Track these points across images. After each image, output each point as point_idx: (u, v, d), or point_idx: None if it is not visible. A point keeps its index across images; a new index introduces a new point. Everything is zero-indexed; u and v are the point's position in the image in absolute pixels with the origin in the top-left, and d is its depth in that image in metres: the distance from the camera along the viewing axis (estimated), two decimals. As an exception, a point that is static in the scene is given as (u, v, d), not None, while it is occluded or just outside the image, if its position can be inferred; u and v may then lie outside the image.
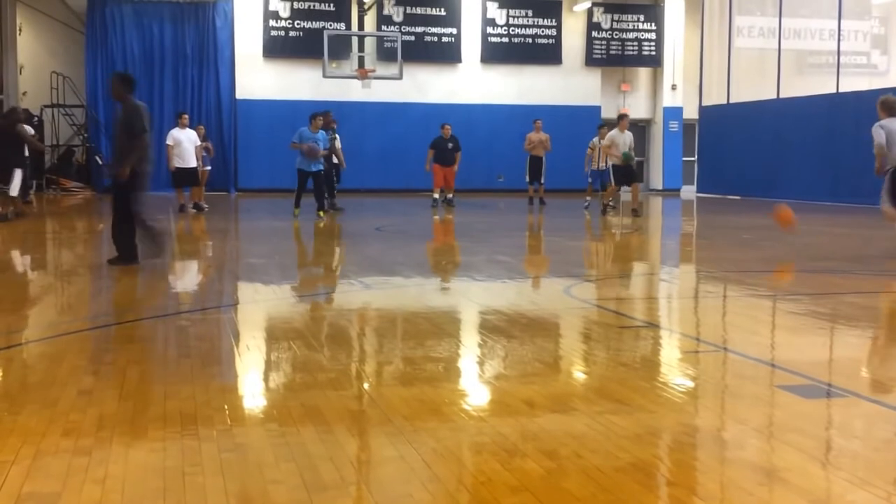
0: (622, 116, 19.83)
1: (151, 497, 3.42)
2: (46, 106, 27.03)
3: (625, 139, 19.04)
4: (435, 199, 21.91)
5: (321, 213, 18.15)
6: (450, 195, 21.85)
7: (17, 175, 16.83)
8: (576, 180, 27.09)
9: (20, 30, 27.90)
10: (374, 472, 3.80)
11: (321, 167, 18.18)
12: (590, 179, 21.40)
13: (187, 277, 10.57)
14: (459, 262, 12.11)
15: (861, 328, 7.23)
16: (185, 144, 19.22)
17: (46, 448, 3.93)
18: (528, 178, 22.43)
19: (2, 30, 27.86)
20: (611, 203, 20.70)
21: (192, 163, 19.38)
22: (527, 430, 4.22)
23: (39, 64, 27.69)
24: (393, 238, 14.97)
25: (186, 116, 20.06)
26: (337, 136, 20.73)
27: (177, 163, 19.21)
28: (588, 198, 21.25)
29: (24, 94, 27.74)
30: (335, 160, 20.35)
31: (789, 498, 3.43)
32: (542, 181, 22.34)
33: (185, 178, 19.40)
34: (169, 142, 19.41)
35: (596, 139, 21.36)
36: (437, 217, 19.31)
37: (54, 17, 27.97)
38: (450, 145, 21.76)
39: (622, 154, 18.91)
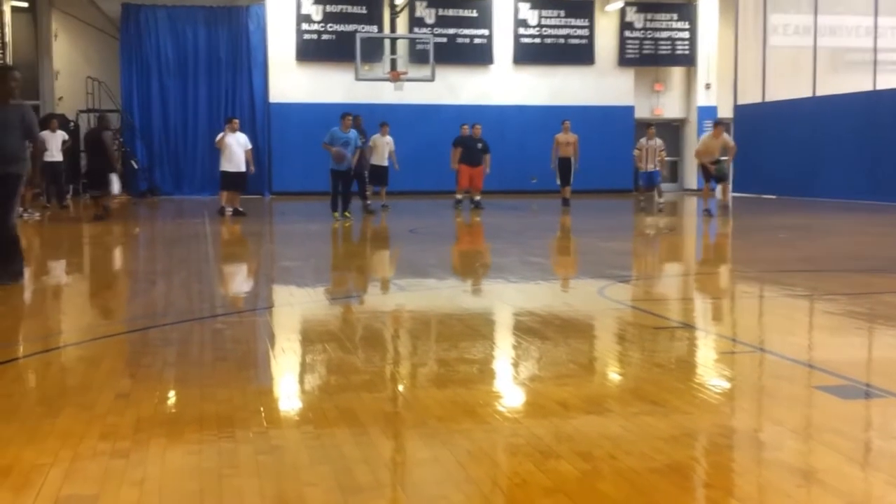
0: (718, 122, 19.62)
1: (188, 499, 3.45)
2: (82, 111, 27.29)
3: (717, 145, 18.99)
4: (458, 200, 21.87)
5: (347, 214, 18.25)
6: (477, 197, 21.73)
7: (114, 178, 19.09)
8: (609, 180, 27.08)
9: (56, 36, 28.19)
10: (408, 474, 3.80)
11: (351, 168, 18.38)
12: (640, 182, 21.32)
13: (223, 280, 10.63)
14: (493, 264, 12.10)
15: (900, 328, 7.15)
16: (235, 148, 19.12)
17: (84, 451, 3.96)
18: (559, 181, 22.35)
19: (38, 36, 28.18)
20: (659, 203, 20.73)
21: (241, 167, 19.25)
22: (561, 432, 4.21)
23: (75, 69, 27.97)
24: (426, 240, 14.98)
25: (237, 121, 19.91)
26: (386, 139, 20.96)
27: (225, 166, 19.18)
28: (659, 199, 21.04)
29: (60, 99, 28.03)
30: (372, 161, 20.62)
31: (827, 500, 3.40)
32: (570, 182, 22.29)
33: (233, 181, 19.32)
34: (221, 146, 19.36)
35: (643, 140, 21.24)
36: (459, 219, 19.25)
37: (89, 23, 28.23)
38: (479, 146, 21.68)
39: (716, 169, 18.86)
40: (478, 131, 21.72)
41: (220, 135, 19.46)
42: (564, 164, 22.08)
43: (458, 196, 21.96)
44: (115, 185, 19.56)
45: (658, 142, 21.21)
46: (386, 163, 21.36)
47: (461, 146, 21.64)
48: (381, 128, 21.30)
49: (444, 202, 22.83)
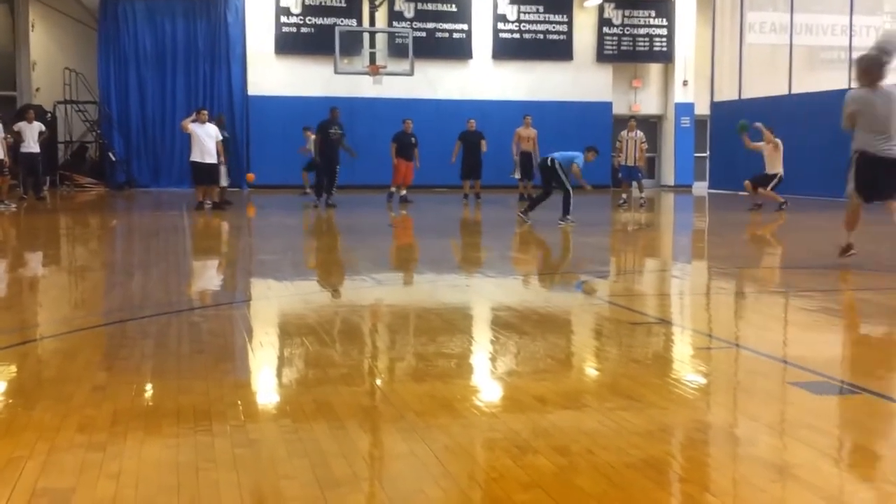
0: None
1: (165, 492, 3.44)
2: (59, 102, 27.12)
3: None
4: (391, 194, 21.84)
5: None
6: (403, 192, 21.84)
7: (223, 171, 20.11)
8: (587, 176, 27.02)
9: (33, 26, 27.97)
10: (386, 468, 3.81)
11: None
12: (620, 175, 21.36)
13: (200, 274, 10.60)
14: (471, 259, 12.12)
15: (874, 325, 7.21)
16: (204, 138, 18.81)
17: (61, 443, 3.95)
18: (519, 175, 22.46)
19: (15, 26, 27.96)
20: (641, 200, 20.93)
21: (209, 159, 18.98)
22: (538, 427, 4.22)
23: (52, 60, 27.77)
24: (404, 234, 14.98)
25: (206, 112, 19.60)
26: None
27: (194, 156, 18.94)
28: (624, 195, 21.18)
29: (38, 90, 27.83)
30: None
31: (801, 494, 3.44)
32: (532, 178, 22.47)
33: (203, 172, 19.15)
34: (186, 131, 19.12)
35: (624, 132, 21.31)
36: (392, 213, 19.16)
37: (67, 14, 28.04)
38: (413, 140, 21.85)
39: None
40: (409, 126, 21.82)
41: (185, 120, 19.32)
42: (525, 158, 22.20)
43: (393, 189, 21.99)
44: (223, 177, 20.34)
45: (639, 134, 21.35)
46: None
47: (397, 142, 21.74)
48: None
49: (422, 196, 22.82)
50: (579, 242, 13.63)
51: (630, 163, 21.04)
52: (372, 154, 22.80)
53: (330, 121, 19.95)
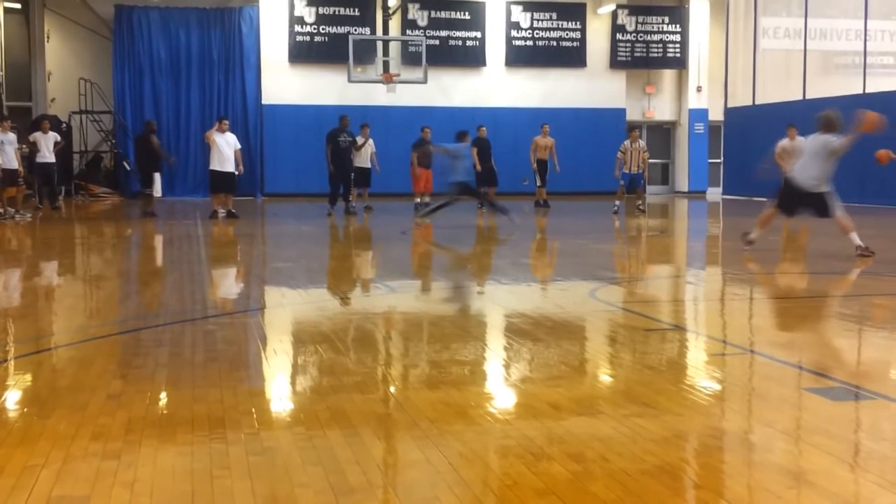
0: (791, 125, 19.94)
1: (180, 500, 3.45)
2: (74, 112, 27.24)
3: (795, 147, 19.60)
4: (418, 203, 21.55)
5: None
6: (427, 199, 21.73)
7: (157, 178, 20.64)
8: (601, 183, 27.10)
9: (48, 37, 28.13)
10: (400, 476, 3.81)
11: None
12: (621, 182, 21.36)
13: (215, 282, 10.62)
14: (485, 266, 12.11)
15: (889, 330, 7.18)
16: (224, 148, 18.87)
17: (76, 452, 3.96)
18: (539, 182, 22.72)
19: (30, 37, 28.12)
20: (640, 206, 21.00)
21: (230, 167, 19.01)
22: (553, 434, 4.22)
23: (67, 70, 27.92)
24: (418, 242, 14.99)
25: (227, 122, 19.64)
26: (357, 139, 20.79)
27: (213, 165, 19.01)
28: (617, 202, 21.20)
29: (53, 100, 27.97)
30: (355, 164, 20.82)
31: (817, 501, 3.42)
32: (546, 184, 22.85)
33: (222, 181, 19.20)
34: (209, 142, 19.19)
35: (627, 142, 21.33)
36: (423, 221, 18.83)
37: (82, 24, 28.19)
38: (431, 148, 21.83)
39: None
40: (427, 134, 21.74)
41: (209, 131, 19.45)
42: (542, 166, 22.45)
43: (418, 199, 21.78)
44: (157, 186, 20.81)
45: (642, 144, 21.53)
46: (368, 164, 21.52)
47: (419, 150, 21.56)
48: (361, 129, 21.27)
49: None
50: (592, 249, 13.60)
51: (635, 170, 21.10)
52: (385, 162, 22.77)
53: (339, 129, 20.03)
